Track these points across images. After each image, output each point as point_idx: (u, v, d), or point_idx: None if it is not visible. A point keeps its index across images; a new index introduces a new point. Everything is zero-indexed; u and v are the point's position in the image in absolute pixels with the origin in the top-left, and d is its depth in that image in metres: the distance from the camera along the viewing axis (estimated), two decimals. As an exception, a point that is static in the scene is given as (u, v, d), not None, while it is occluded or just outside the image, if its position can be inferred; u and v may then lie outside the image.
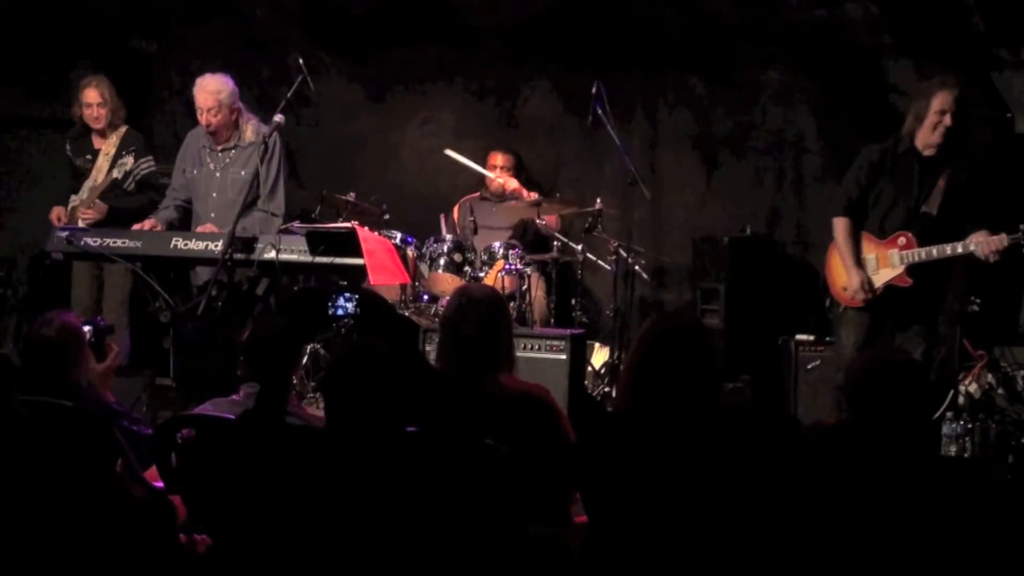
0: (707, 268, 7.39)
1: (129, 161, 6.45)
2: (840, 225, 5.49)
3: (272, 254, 5.57)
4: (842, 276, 5.47)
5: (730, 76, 7.64)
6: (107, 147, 6.50)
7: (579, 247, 6.73)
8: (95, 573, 2.77)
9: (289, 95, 5.90)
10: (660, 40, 7.47)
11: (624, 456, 3.00)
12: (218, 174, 6.05)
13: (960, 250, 5.25)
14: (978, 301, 6.41)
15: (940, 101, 5.25)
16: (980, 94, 6.94)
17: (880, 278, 5.38)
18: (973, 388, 6.09)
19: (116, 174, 6.38)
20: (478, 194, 7.40)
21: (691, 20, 7.32)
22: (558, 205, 6.92)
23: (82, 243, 5.82)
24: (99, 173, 6.44)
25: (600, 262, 6.93)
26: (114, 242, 5.82)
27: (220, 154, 6.07)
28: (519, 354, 5.56)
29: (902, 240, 5.35)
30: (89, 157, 6.54)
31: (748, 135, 7.70)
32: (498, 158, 7.34)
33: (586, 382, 6.34)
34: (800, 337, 6.36)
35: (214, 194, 6.06)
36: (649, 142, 7.81)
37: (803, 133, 7.55)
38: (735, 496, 2.86)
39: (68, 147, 6.66)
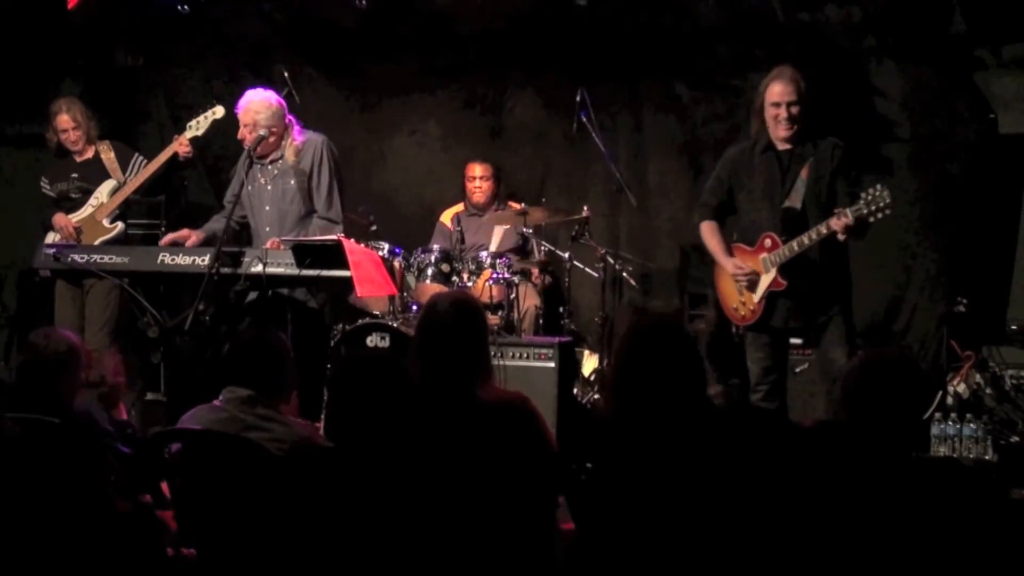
0: (695, 273, 7.39)
1: (142, 161, 6.43)
2: (704, 229, 5.28)
3: (259, 267, 5.57)
4: (731, 296, 5.21)
5: (713, 81, 7.64)
6: (108, 161, 6.40)
7: (566, 255, 6.73)
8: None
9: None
10: (643, 46, 7.48)
11: (614, 461, 3.00)
12: (269, 187, 5.98)
13: (815, 236, 4.87)
14: (965, 301, 6.42)
15: (772, 93, 5.03)
16: (963, 95, 6.98)
17: (759, 288, 5.07)
18: (962, 388, 6.08)
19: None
20: (463, 206, 7.38)
21: (673, 25, 7.32)
22: (544, 213, 6.91)
23: (69, 259, 5.82)
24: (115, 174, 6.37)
25: (588, 270, 6.94)
26: (101, 258, 5.82)
27: (269, 167, 6.01)
28: (508, 363, 5.60)
29: (767, 242, 5.05)
30: (75, 176, 6.41)
31: (733, 139, 7.68)
32: (476, 168, 7.30)
33: (575, 389, 6.35)
34: (789, 340, 6.35)
35: (267, 207, 5.99)
36: (634, 149, 7.80)
37: (788, 137, 7.55)
38: (727, 500, 2.86)
39: (45, 181, 6.50)
